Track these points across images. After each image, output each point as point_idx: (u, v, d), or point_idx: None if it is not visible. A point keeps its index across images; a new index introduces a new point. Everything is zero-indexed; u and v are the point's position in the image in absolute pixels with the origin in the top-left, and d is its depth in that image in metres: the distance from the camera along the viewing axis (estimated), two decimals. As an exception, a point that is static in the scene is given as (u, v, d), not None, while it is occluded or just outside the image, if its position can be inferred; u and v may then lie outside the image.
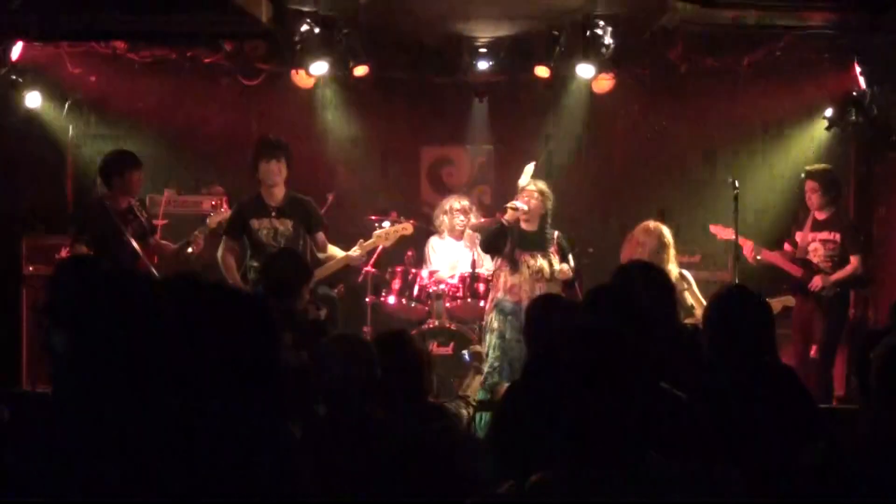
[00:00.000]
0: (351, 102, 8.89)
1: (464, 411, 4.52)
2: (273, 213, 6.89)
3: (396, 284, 7.85)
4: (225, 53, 8.12)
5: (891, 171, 8.22)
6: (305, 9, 7.50)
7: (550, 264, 6.99)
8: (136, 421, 2.28)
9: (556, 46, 7.94)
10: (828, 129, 8.11)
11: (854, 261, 7.37)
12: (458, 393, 4.94)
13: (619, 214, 8.60)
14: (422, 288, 7.76)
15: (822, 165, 7.64)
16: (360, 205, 8.54)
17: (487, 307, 7.17)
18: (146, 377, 2.34)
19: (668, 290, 3.76)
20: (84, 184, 8.31)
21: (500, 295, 7.02)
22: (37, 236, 7.96)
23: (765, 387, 3.38)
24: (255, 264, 6.85)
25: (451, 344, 7.42)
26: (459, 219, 8.01)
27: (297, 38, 7.63)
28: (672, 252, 6.72)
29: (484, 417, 5.42)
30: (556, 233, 7.12)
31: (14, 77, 7.77)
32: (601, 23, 7.61)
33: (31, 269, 7.86)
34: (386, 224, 7.62)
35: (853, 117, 7.90)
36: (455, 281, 7.69)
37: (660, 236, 6.72)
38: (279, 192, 6.92)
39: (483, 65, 8.35)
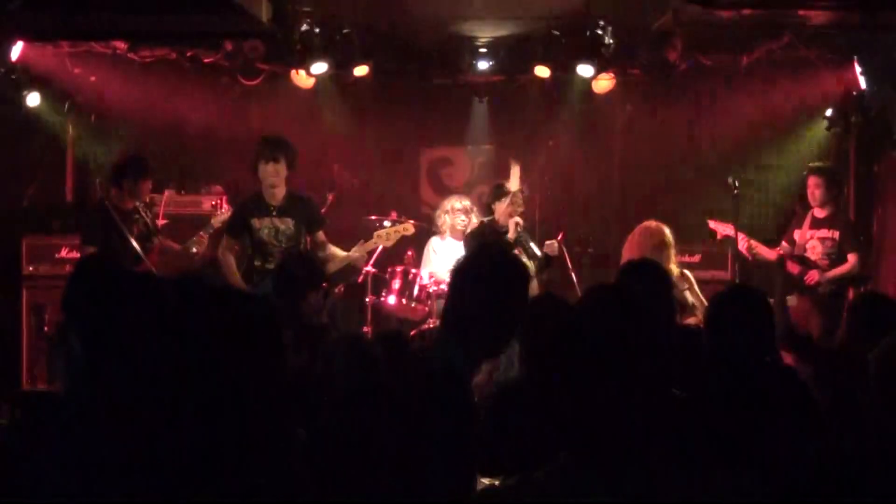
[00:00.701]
0: (351, 102, 8.89)
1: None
2: (274, 213, 6.89)
3: (396, 284, 7.85)
4: (225, 53, 8.12)
5: (891, 170, 8.22)
6: (305, 9, 7.51)
7: (529, 258, 7.06)
8: (148, 423, 2.28)
9: (556, 46, 7.94)
10: (828, 129, 8.12)
11: (851, 259, 7.39)
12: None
13: (619, 214, 8.61)
14: (422, 288, 7.76)
15: (826, 163, 7.66)
16: (360, 205, 8.54)
17: None
18: (159, 379, 2.35)
19: (668, 289, 3.77)
20: (84, 184, 8.32)
21: None
22: (37, 236, 7.96)
23: (766, 386, 3.38)
24: (258, 263, 6.86)
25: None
26: (461, 218, 8.01)
27: (297, 38, 7.63)
28: (673, 252, 6.73)
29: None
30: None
31: (14, 77, 7.77)
32: (601, 23, 7.61)
33: (31, 269, 7.86)
34: (387, 224, 7.62)
35: (853, 117, 7.91)
36: (454, 281, 7.69)
37: (661, 236, 6.72)
38: (279, 192, 6.92)
39: (483, 65, 8.35)
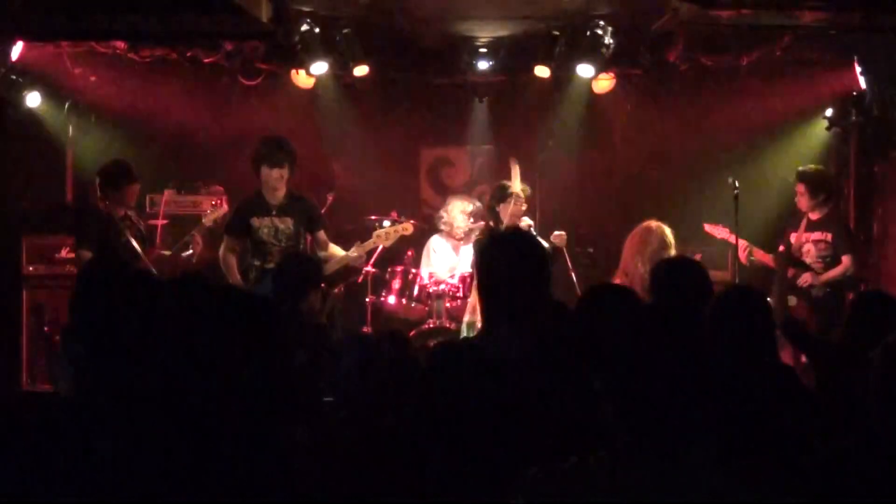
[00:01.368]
0: (351, 102, 8.89)
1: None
2: (274, 212, 6.90)
3: (396, 284, 7.86)
4: (225, 53, 8.12)
5: (891, 170, 8.22)
6: (305, 9, 7.50)
7: None
8: (150, 423, 2.28)
9: (556, 46, 7.94)
10: (828, 129, 8.12)
11: (846, 261, 7.39)
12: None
13: (619, 214, 8.60)
14: (422, 288, 7.76)
15: (813, 167, 7.66)
16: (360, 205, 8.54)
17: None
18: (161, 379, 2.35)
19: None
20: (84, 184, 8.32)
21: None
22: (37, 236, 7.96)
23: (765, 386, 3.39)
24: (257, 263, 6.86)
25: (451, 344, 7.42)
26: (470, 221, 8.01)
27: (297, 38, 7.63)
28: (674, 252, 6.72)
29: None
30: None
31: (14, 77, 7.77)
32: (601, 23, 7.61)
33: (31, 269, 7.86)
34: (386, 223, 7.62)
35: (853, 117, 7.91)
36: (455, 281, 7.69)
37: (662, 236, 6.72)
38: (281, 192, 6.93)
39: (483, 65, 8.35)
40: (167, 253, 7.20)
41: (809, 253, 7.47)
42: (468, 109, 9.08)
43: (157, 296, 2.69)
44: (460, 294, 7.64)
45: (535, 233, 7.10)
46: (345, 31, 7.81)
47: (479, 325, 6.91)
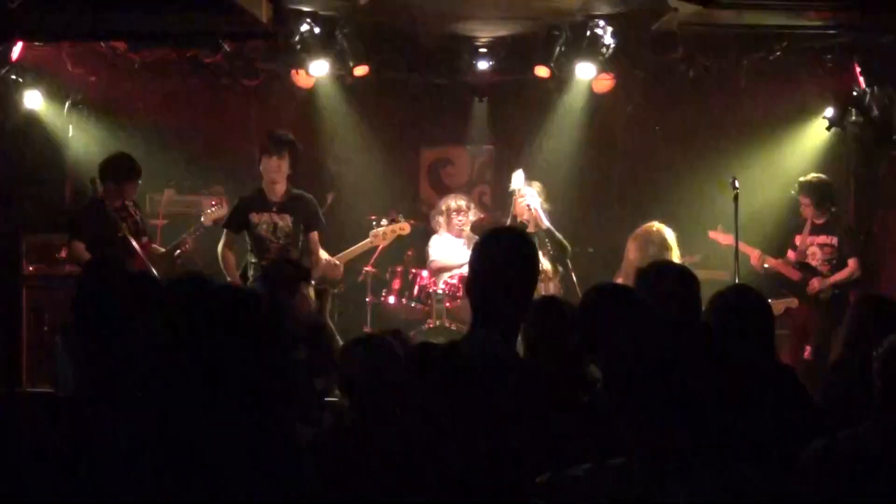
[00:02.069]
0: (351, 102, 8.89)
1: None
2: (273, 209, 6.90)
3: (396, 284, 7.86)
4: (225, 53, 8.11)
5: (891, 170, 8.22)
6: (305, 9, 7.50)
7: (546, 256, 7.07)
8: (151, 421, 2.28)
9: (556, 46, 7.94)
10: (828, 129, 8.12)
11: (852, 263, 7.44)
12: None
13: (619, 214, 8.60)
14: (422, 288, 7.76)
15: (814, 176, 7.68)
16: (360, 205, 8.54)
17: None
18: (162, 377, 2.35)
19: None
20: (84, 184, 8.31)
21: None
22: (37, 236, 7.95)
23: (764, 386, 3.38)
24: (254, 260, 6.87)
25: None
26: (458, 218, 8.01)
27: (297, 38, 7.63)
28: (675, 254, 6.72)
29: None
30: None
31: (14, 77, 7.77)
32: (601, 23, 7.61)
33: (31, 268, 7.86)
34: (383, 223, 7.62)
35: (853, 117, 7.91)
36: (455, 281, 7.69)
37: (662, 238, 6.72)
38: (280, 188, 6.93)
39: (483, 65, 8.35)
40: (162, 250, 7.20)
41: (815, 256, 7.52)
42: (468, 109, 9.08)
43: (155, 295, 2.69)
44: (460, 294, 7.63)
45: (533, 212, 7.05)
46: (345, 31, 7.81)
47: None
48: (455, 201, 8.12)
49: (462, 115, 9.15)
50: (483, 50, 8.29)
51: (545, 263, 7.07)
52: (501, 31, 8.16)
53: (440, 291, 7.66)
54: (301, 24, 7.55)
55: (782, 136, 8.69)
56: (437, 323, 7.55)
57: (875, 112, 7.73)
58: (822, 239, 7.54)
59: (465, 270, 7.74)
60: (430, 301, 7.69)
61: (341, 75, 8.37)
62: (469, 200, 8.28)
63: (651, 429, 2.01)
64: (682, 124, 8.91)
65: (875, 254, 8.11)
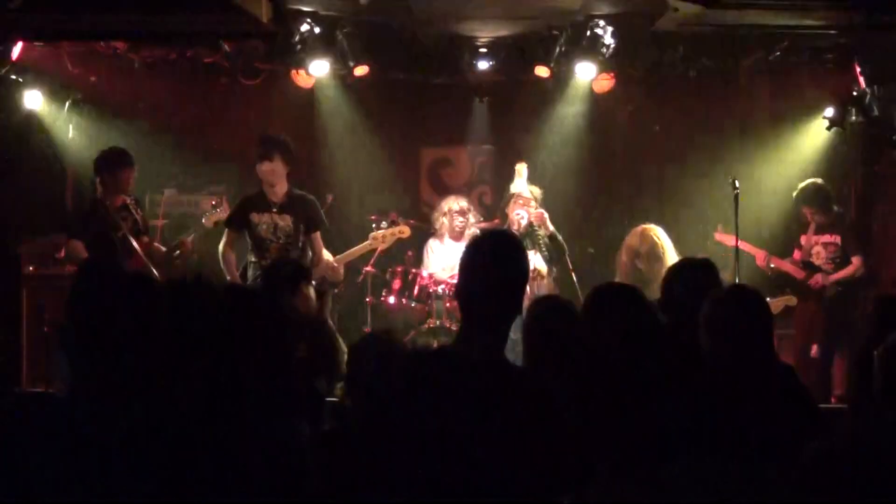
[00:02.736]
0: (351, 102, 8.89)
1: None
2: (274, 209, 6.90)
3: (396, 284, 7.86)
4: (225, 53, 8.12)
5: (891, 170, 8.22)
6: (305, 9, 7.50)
7: (541, 256, 7.09)
8: (151, 421, 2.28)
9: (556, 46, 7.94)
10: (828, 129, 8.12)
11: (855, 261, 7.47)
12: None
13: (620, 214, 8.60)
14: (422, 288, 7.76)
15: (809, 182, 7.70)
16: (360, 205, 8.54)
17: None
18: (161, 377, 2.35)
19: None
20: (84, 184, 8.32)
21: None
22: (37, 237, 7.95)
23: (764, 385, 3.38)
24: (254, 260, 6.87)
25: (452, 344, 7.41)
26: (458, 220, 8.01)
27: (297, 38, 7.63)
28: (669, 254, 6.72)
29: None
30: None
31: (14, 77, 7.77)
32: (601, 23, 7.60)
33: (30, 269, 7.85)
34: (383, 225, 7.61)
35: (853, 117, 7.91)
36: (455, 281, 7.68)
37: (653, 239, 6.73)
38: (281, 189, 6.93)
39: (483, 65, 8.34)
40: (164, 249, 7.20)
41: (819, 255, 7.56)
42: (468, 109, 9.08)
43: (151, 295, 2.68)
44: (460, 294, 7.62)
45: (528, 221, 7.08)
46: (345, 31, 7.81)
47: None
48: (456, 203, 8.12)
49: (462, 115, 9.14)
50: (483, 50, 8.29)
51: (539, 263, 7.08)
52: (501, 31, 8.15)
53: (440, 291, 7.66)
54: (301, 24, 7.55)
55: (782, 136, 8.68)
56: (437, 323, 7.55)
57: (875, 112, 7.73)
58: (826, 237, 7.57)
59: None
60: (430, 301, 7.69)
61: (341, 75, 8.37)
62: (470, 202, 8.26)
63: (650, 428, 2.01)
64: (682, 124, 8.91)
65: (876, 252, 8.12)
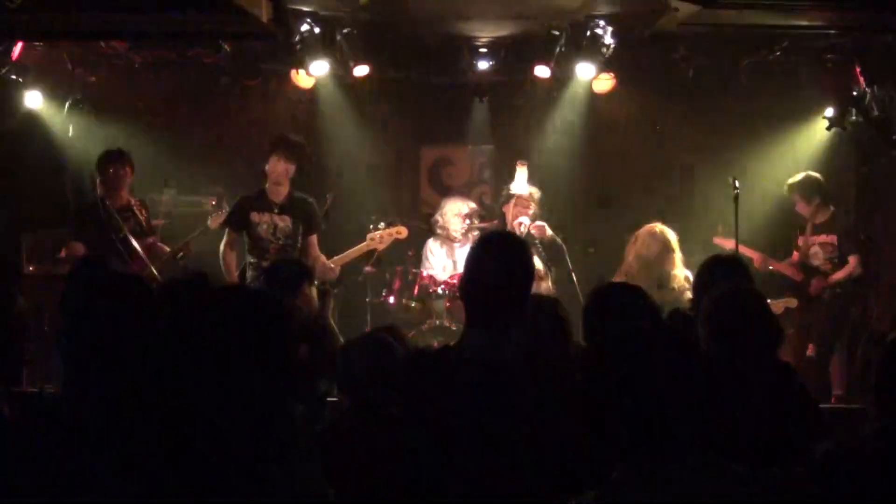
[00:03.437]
0: (351, 102, 8.89)
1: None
2: (275, 210, 6.90)
3: (396, 284, 7.85)
4: (225, 53, 8.12)
5: (891, 170, 8.23)
6: (305, 9, 7.50)
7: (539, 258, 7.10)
8: (145, 421, 2.28)
9: (556, 46, 7.94)
10: (828, 129, 8.12)
11: (852, 261, 7.46)
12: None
13: (619, 214, 8.60)
14: (422, 288, 7.76)
15: (802, 175, 7.70)
16: (360, 205, 8.54)
17: None
18: (156, 377, 2.35)
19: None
20: (84, 183, 8.31)
21: None
22: (37, 236, 7.95)
23: (764, 385, 3.38)
24: (254, 260, 6.87)
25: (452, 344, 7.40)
26: (466, 223, 7.99)
27: (297, 38, 7.63)
28: (678, 255, 6.73)
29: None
30: None
31: (14, 77, 7.77)
32: (601, 23, 7.60)
33: (31, 268, 7.85)
34: (381, 226, 7.60)
35: (853, 117, 7.91)
36: (455, 281, 7.69)
37: (665, 240, 6.73)
38: (283, 190, 6.94)
39: (483, 65, 8.35)
40: (167, 249, 7.20)
41: (817, 256, 7.56)
42: (468, 109, 9.07)
43: (145, 296, 2.68)
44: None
45: (528, 231, 7.10)
46: (345, 31, 7.81)
47: None
48: (465, 205, 8.11)
49: (462, 115, 9.14)
50: (483, 50, 8.29)
51: (537, 263, 7.08)
52: (501, 31, 8.15)
53: (440, 291, 7.65)
54: (301, 24, 7.55)
55: (782, 136, 8.68)
56: (437, 323, 7.54)
57: (875, 112, 7.73)
58: (823, 238, 7.56)
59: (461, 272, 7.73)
60: (430, 301, 7.69)
61: (341, 75, 8.37)
62: (472, 208, 8.22)
63: (649, 428, 2.01)
64: (682, 124, 8.91)
65: (876, 253, 8.11)
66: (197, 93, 8.70)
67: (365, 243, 7.33)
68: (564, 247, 7.28)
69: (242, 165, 8.26)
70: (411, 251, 8.10)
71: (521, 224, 7.17)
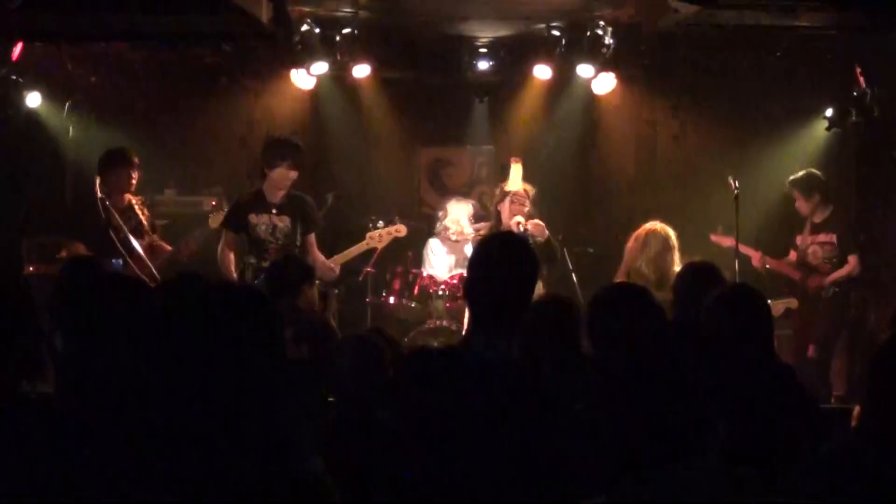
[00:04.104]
0: (351, 103, 8.89)
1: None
2: (273, 210, 6.89)
3: (396, 285, 7.85)
4: (225, 53, 8.12)
5: (891, 170, 8.22)
6: (305, 9, 7.50)
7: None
8: (138, 422, 2.28)
9: (556, 46, 7.94)
10: (828, 129, 8.12)
11: (852, 260, 7.45)
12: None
13: (619, 214, 8.60)
14: (422, 288, 7.75)
15: (802, 172, 7.70)
16: (360, 205, 8.54)
17: None
18: (148, 378, 2.35)
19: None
20: (84, 184, 8.31)
21: None
22: (37, 236, 7.94)
23: (764, 385, 3.39)
24: (253, 261, 6.86)
25: (452, 344, 7.41)
26: (472, 223, 7.99)
27: (297, 38, 7.63)
28: (677, 254, 6.72)
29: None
30: None
31: (14, 77, 7.76)
32: (601, 23, 7.61)
33: (31, 269, 7.85)
34: (380, 224, 7.61)
35: (853, 117, 7.91)
36: (455, 281, 7.69)
37: (665, 238, 6.72)
38: (282, 192, 6.93)
39: (483, 65, 8.35)
40: (168, 247, 7.19)
41: (816, 255, 7.54)
42: (468, 109, 9.07)
43: (140, 297, 2.67)
44: (460, 294, 7.62)
45: (524, 229, 7.07)
46: (345, 31, 7.81)
47: None
48: (469, 206, 8.11)
49: (462, 115, 9.14)
50: (483, 50, 8.29)
51: None
52: (501, 31, 8.16)
53: (440, 291, 7.65)
54: (301, 24, 7.55)
55: (782, 136, 8.68)
56: (438, 323, 7.54)
57: (875, 112, 7.73)
58: (822, 237, 7.55)
59: (465, 271, 7.73)
60: (430, 301, 7.68)
61: (341, 75, 8.37)
62: (475, 208, 8.22)
63: (651, 429, 2.01)
64: (681, 124, 8.91)
65: (875, 253, 8.11)
66: (197, 93, 8.69)
67: (364, 242, 7.32)
68: (562, 249, 7.24)
69: (242, 165, 8.26)
70: (411, 252, 8.10)
71: (517, 223, 7.12)
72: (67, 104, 8.39)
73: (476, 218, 8.03)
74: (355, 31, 7.85)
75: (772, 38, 7.75)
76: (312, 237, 7.03)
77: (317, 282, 6.35)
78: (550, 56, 8.04)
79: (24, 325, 2.56)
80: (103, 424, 2.34)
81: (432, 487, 2.62)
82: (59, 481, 2.28)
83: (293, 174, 6.85)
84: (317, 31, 7.63)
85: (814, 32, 7.54)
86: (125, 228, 6.90)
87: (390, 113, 9.04)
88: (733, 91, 8.51)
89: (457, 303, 7.60)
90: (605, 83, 8.35)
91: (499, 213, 7.33)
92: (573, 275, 7.35)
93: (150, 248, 7.09)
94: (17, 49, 7.61)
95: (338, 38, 7.83)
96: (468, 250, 7.95)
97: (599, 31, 7.62)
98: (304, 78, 8.24)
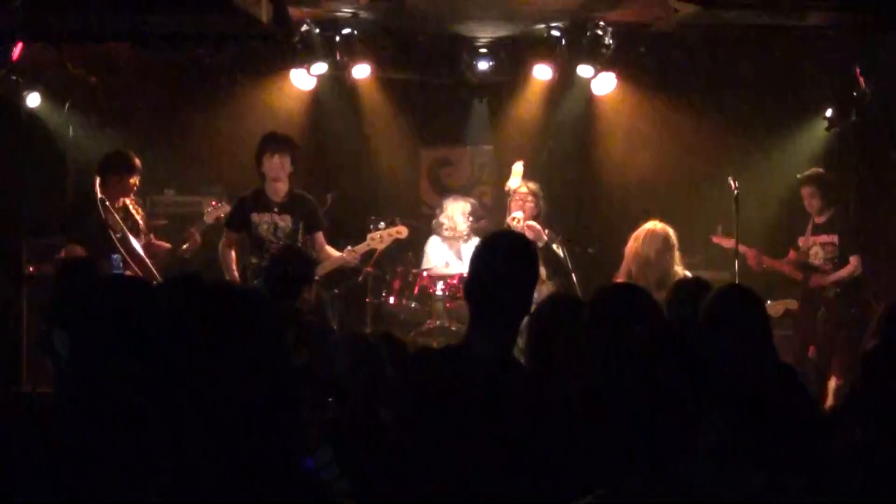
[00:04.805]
0: (351, 102, 8.89)
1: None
2: (275, 209, 6.89)
3: (396, 285, 7.85)
4: (225, 53, 8.11)
5: (891, 170, 8.22)
6: (305, 9, 7.50)
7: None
8: (138, 423, 2.28)
9: (556, 47, 7.95)
10: (828, 129, 8.12)
11: (853, 261, 7.44)
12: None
13: (619, 214, 8.59)
14: (422, 288, 7.76)
15: (815, 170, 7.68)
16: (360, 205, 8.54)
17: None
18: (147, 379, 2.35)
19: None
20: (84, 184, 8.31)
21: None
22: (37, 236, 7.94)
23: (764, 385, 3.38)
24: (255, 261, 6.86)
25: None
26: (470, 220, 7.99)
27: (297, 39, 7.63)
28: (677, 254, 6.71)
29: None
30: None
31: (14, 77, 7.76)
32: (601, 23, 7.61)
33: (31, 269, 7.85)
34: (381, 225, 7.61)
35: (853, 117, 7.91)
36: (455, 281, 7.69)
37: (665, 238, 6.71)
38: (282, 188, 6.93)
39: (483, 65, 8.35)
40: (168, 245, 7.20)
41: (817, 256, 7.54)
42: (468, 109, 9.08)
43: (137, 297, 2.67)
44: (460, 294, 7.62)
45: (521, 226, 7.06)
46: (345, 31, 7.81)
47: None
48: (468, 204, 8.11)
49: (462, 115, 9.15)
50: (483, 50, 8.29)
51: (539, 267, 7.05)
52: (501, 31, 8.15)
53: (440, 292, 7.65)
54: (301, 25, 7.55)
55: (782, 136, 8.68)
56: (437, 323, 7.54)
57: (875, 112, 7.73)
58: (824, 238, 7.54)
59: (465, 270, 7.72)
60: (430, 301, 7.68)
61: (341, 75, 8.37)
62: (473, 205, 8.23)
63: (650, 429, 2.01)
64: (681, 124, 8.91)
65: (875, 253, 8.11)
66: (197, 93, 8.69)
67: (365, 243, 7.33)
68: (562, 252, 7.23)
69: (242, 165, 8.25)
70: (411, 252, 8.10)
71: (514, 219, 7.12)
72: (67, 104, 8.39)
73: (475, 217, 8.03)
74: (355, 32, 7.86)
75: (772, 37, 7.74)
76: (320, 235, 7.04)
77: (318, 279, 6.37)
78: (550, 56, 8.04)
79: None
80: (103, 424, 2.34)
81: (432, 487, 2.62)
82: (60, 481, 2.28)
83: (282, 161, 6.84)
84: (317, 31, 7.64)
85: (814, 32, 7.53)
86: (124, 228, 6.90)
87: (390, 113, 9.05)
88: (733, 91, 8.51)
89: (457, 303, 7.60)
90: (605, 83, 8.34)
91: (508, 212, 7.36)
92: (573, 276, 7.34)
93: (148, 248, 7.09)
94: (17, 49, 7.60)
95: (338, 39, 7.84)
96: (463, 247, 7.96)
97: (599, 32, 7.62)
98: (304, 78, 8.24)
